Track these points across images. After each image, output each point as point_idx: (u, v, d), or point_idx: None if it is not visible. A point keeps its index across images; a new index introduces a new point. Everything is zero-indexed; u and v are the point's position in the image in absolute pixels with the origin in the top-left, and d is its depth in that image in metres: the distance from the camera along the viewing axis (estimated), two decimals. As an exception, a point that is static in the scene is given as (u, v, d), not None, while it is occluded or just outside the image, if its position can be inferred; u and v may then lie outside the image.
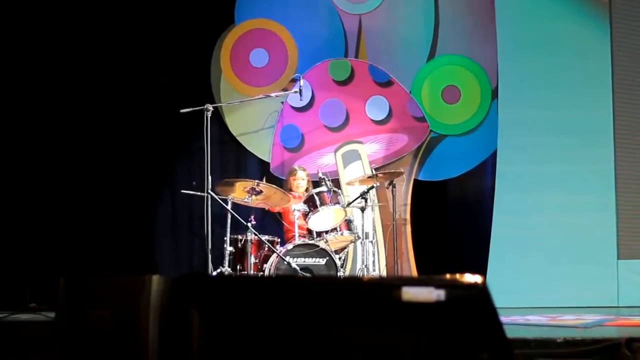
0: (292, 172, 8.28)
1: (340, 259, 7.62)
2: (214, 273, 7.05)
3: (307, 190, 8.10)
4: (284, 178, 8.57)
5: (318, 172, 7.93)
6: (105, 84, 8.68)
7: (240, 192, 7.45)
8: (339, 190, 7.88)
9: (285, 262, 7.20)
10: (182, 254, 8.95)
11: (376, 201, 8.37)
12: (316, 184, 7.91)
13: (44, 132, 8.52)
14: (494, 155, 8.23)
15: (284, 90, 8.74)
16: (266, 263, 7.33)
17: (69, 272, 3.54)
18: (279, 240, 7.70)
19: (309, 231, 7.68)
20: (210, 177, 6.98)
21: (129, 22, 8.74)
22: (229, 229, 7.38)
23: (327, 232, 7.63)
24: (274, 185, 7.71)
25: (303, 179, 8.22)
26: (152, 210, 8.90)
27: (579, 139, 7.84)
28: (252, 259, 7.43)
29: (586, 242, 7.70)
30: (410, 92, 8.79)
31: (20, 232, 8.29)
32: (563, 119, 7.88)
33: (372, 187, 7.76)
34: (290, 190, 8.10)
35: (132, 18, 8.74)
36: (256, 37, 9.01)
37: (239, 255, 7.50)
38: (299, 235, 7.52)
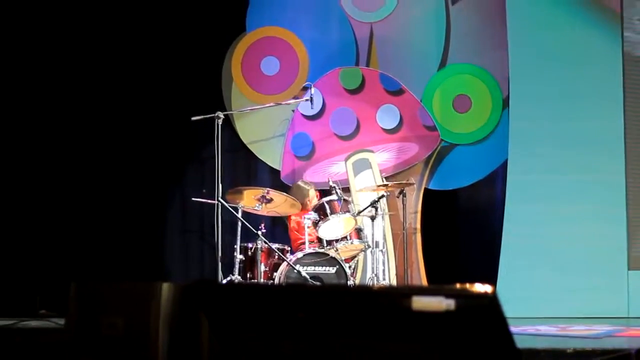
0: (305, 193, 8.18)
1: (350, 267, 7.61)
2: (224, 281, 7.06)
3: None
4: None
5: (329, 181, 7.92)
6: (117, 91, 8.70)
7: (251, 200, 7.46)
8: (350, 199, 7.88)
9: (295, 271, 7.20)
10: (192, 262, 8.95)
11: (386, 210, 8.37)
12: (327, 192, 7.91)
13: (54, 138, 8.55)
14: (504, 165, 8.22)
15: (295, 98, 8.74)
16: (276, 271, 7.33)
17: (80, 279, 3.55)
18: (289, 248, 7.70)
19: (319, 240, 7.68)
20: (220, 185, 7.00)
21: (141, 29, 8.76)
22: (239, 237, 7.39)
23: (337, 240, 7.63)
24: (285, 193, 7.72)
25: (315, 197, 8.19)
26: (163, 218, 8.91)
27: (590, 149, 7.82)
28: (262, 267, 7.43)
29: (596, 252, 7.68)
30: (421, 101, 8.79)
31: (31, 238, 8.32)
32: (574, 129, 7.87)
33: (382, 196, 7.76)
34: (305, 206, 8.04)
35: (144, 26, 8.77)
36: (267, 45, 9.02)
37: (249, 263, 7.50)
38: (309, 244, 7.52)
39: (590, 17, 7.94)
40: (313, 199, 8.16)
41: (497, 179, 8.60)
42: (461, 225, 8.82)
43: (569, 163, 7.85)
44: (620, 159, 7.78)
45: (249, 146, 8.99)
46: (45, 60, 8.59)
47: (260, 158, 9.00)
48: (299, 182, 8.39)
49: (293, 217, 8.07)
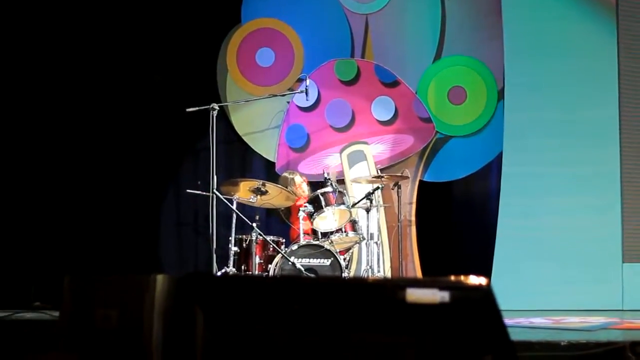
0: (291, 183, 8.17)
1: (344, 259, 7.61)
2: (219, 273, 7.05)
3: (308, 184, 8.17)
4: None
5: (323, 173, 7.92)
6: (111, 83, 8.69)
7: (246, 192, 7.46)
8: (344, 191, 7.87)
9: (289, 263, 7.20)
10: (186, 254, 8.96)
11: (381, 202, 8.37)
12: (322, 184, 7.90)
13: (48, 131, 8.54)
14: (499, 157, 8.21)
15: (290, 89, 8.75)
16: (271, 263, 7.32)
17: (74, 271, 3.54)
18: (283, 240, 7.69)
19: (314, 232, 7.68)
20: (215, 177, 6.99)
21: (136, 21, 8.75)
22: (233, 229, 7.37)
23: (332, 232, 7.63)
24: (280, 185, 7.70)
25: (303, 182, 8.21)
26: (157, 210, 8.91)
27: (585, 141, 7.82)
28: (257, 259, 7.43)
29: (591, 244, 7.69)
30: (416, 93, 8.78)
31: (25, 230, 8.31)
32: (569, 120, 7.87)
33: (377, 188, 7.76)
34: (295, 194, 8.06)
35: (138, 17, 8.75)
36: (263, 37, 9.02)
37: (244, 255, 7.50)
38: (304, 236, 7.52)
39: (585, 8, 7.93)
40: (301, 184, 8.15)
41: (492, 171, 8.61)
42: (456, 218, 8.82)
43: (564, 155, 7.85)
44: (615, 151, 7.78)
45: (243, 138, 8.99)
46: (38, 51, 8.57)
47: (255, 150, 9.00)
48: (284, 174, 8.39)
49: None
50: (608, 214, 7.73)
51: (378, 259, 8.09)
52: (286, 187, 7.87)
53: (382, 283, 2.47)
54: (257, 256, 7.44)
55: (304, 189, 8.15)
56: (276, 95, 8.49)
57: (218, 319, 2.46)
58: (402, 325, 2.15)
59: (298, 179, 8.20)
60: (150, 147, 8.70)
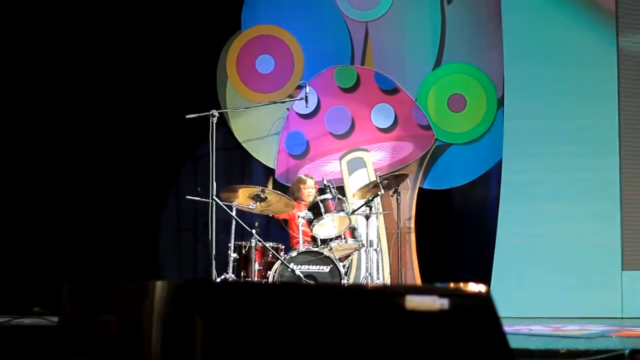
0: (302, 181, 8.21)
1: (344, 266, 7.61)
2: (218, 279, 7.05)
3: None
4: (288, 185, 8.55)
5: (323, 180, 7.91)
6: (112, 89, 8.69)
7: (245, 199, 7.45)
8: (344, 198, 7.87)
9: (289, 269, 7.19)
10: (186, 260, 8.95)
11: (381, 209, 8.37)
12: (321, 191, 7.89)
13: (50, 137, 8.54)
14: (499, 165, 8.22)
15: (290, 96, 8.76)
16: (270, 270, 7.32)
17: (73, 277, 3.55)
18: (283, 247, 7.69)
19: (314, 238, 7.67)
20: (215, 183, 6.99)
21: (137, 27, 8.75)
22: (233, 236, 7.37)
23: (331, 239, 7.63)
24: (279, 192, 7.70)
25: (312, 188, 8.20)
26: (157, 216, 8.90)
27: (585, 148, 7.83)
28: (256, 266, 7.42)
29: (591, 252, 7.69)
30: (416, 100, 8.79)
31: (25, 236, 8.30)
32: (568, 128, 7.88)
33: (376, 195, 7.76)
34: (299, 199, 8.06)
35: (139, 23, 8.76)
36: (262, 44, 9.02)
37: (243, 262, 7.49)
38: (303, 243, 7.52)
39: (585, 16, 7.95)
40: (310, 190, 8.12)
41: (491, 179, 8.60)
42: (455, 225, 8.82)
43: (563, 163, 7.86)
44: (615, 159, 7.79)
45: (243, 144, 8.98)
46: (41, 58, 8.57)
47: (255, 156, 8.99)
48: (301, 175, 8.40)
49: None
50: (608, 222, 7.73)
51: (377, 266, 8.09)
52: (297, 184, 7.95)
53: (381, 290, 2.47)
54: (257, 263, 7.43)
55: (310, 194, 8.09)
56: (276, 102, 8.50)
57: (217, 326, 2.46)
58: (402, 332, 2.15)
59: (310, 181, 8.19)
60: (150, 153, 8.70)
